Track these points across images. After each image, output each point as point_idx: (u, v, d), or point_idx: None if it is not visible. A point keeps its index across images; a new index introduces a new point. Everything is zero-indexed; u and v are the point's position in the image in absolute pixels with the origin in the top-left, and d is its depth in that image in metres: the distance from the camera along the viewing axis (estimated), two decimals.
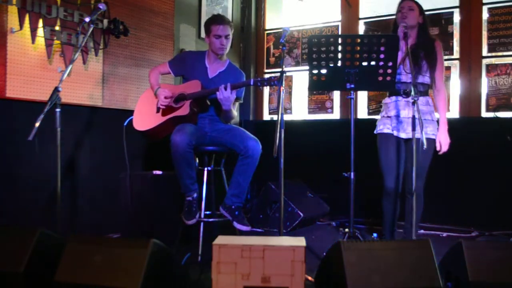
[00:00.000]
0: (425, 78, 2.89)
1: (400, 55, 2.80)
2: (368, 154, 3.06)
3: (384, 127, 2.95)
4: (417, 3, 2.92)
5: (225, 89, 2.85)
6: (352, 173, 2.64)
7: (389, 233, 3.00)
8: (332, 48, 2.58)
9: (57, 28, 3.18)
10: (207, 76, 3.13)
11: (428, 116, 2.88)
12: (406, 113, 2.86)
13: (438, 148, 2.86)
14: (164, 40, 4.05)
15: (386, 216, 2.99)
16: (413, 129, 2.54)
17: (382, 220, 3.02)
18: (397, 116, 2.89)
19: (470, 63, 4.18)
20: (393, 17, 3.01)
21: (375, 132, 3.01)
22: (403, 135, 2.88)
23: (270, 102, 5.26)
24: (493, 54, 4.12)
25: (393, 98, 2.94)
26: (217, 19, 3.06)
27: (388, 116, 2.95)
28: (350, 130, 2.64)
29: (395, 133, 2.89)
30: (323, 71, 2.64)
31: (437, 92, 2.94)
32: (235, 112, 3.13)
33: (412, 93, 2.51)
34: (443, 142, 2.86)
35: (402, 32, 2.72)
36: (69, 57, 3.23)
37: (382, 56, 2.57)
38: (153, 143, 3.24)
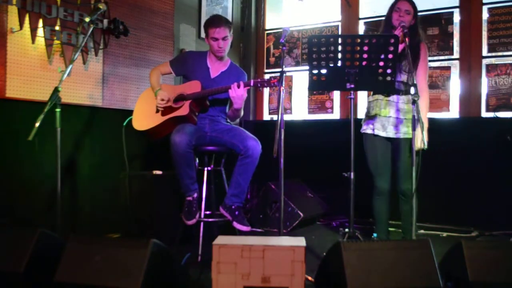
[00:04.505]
0: (404, 77, 2.88)
1: None
2: None
3: (367, 127, 2.96)
4: (413, 5, 2.90)
5: (238, 87, 2.85)
6: (352, 173, 2.64)
7: (384, 232, 3.00)
8: (332, 48, 2.58)
9: (57, 28, 3.17)
10: (209, 76, 3.13)
11: (410, 115, 2.86)
12: (386, 112, 2.87)
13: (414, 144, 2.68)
14: (164, 40, 4.05)
15: (379, 216, 3.00)
16: (414, 129, 2.54)
17: (374, 220, 3.04)
18: (379, 115, 2.90)
19: (470, 63, 4.18)
20: None
21: (361, 131, 3.01)
22: (384, 134, 2.89)
23: (270, 102, 5.26)
24: (493, 54, 4.12)
25: (375, 96, 2.94)
26: (214, 22, 3.01)
27: (370, 116, 2.95)
28: (350, 130, 2.65)
29: (380, 133, 2.89)
30: (323, 71, 2.63)
31: (419, 92, 2.92)
32: (242, 111, 3.13)
33: (412, 92, 2.51)
34: (419, 138, 2.63)
35: (401, 32, 2.72)
36: (69, 57, 3.22)
37: (382, 56, 2.57)
38: (153, 143, 3.23)
